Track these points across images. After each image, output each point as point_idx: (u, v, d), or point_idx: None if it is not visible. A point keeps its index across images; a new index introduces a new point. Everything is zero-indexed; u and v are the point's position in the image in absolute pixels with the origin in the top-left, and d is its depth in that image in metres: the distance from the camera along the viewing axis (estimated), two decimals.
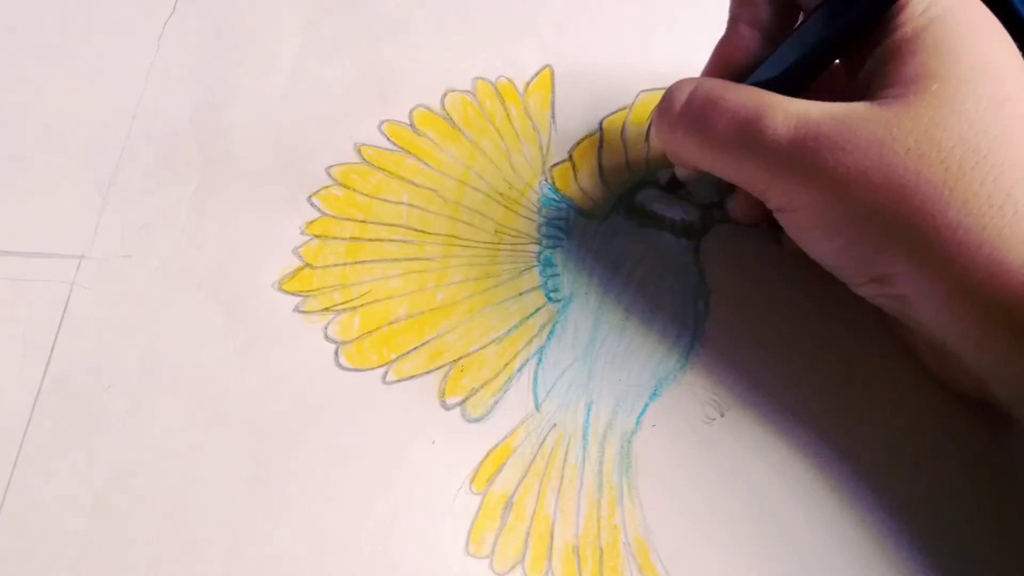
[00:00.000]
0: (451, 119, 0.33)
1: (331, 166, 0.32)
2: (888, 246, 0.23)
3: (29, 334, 0.29)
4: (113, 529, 0.26)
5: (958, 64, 0.22)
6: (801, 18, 0.27)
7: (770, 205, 0.26)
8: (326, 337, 0.29)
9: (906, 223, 0.22)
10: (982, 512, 0.26)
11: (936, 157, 0.22)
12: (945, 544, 0.26)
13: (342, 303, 0.29)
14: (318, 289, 0.30)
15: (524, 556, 0.26)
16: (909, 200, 0.22)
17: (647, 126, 0.32)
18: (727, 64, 0.27)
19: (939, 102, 0.22)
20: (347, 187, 0.31)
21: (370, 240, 0.31)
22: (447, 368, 0.28)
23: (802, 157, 0.23)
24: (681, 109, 0.26)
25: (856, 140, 0.22)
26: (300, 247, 0.30)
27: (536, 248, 0.30)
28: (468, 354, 0.29)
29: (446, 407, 0.28)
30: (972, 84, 0.22)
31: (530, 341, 0.29)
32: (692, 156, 0.27)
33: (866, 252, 0.24)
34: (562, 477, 0.27)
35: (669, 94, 0.27)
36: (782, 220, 0.26)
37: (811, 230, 0.25)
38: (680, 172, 0.30)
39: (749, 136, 0.24)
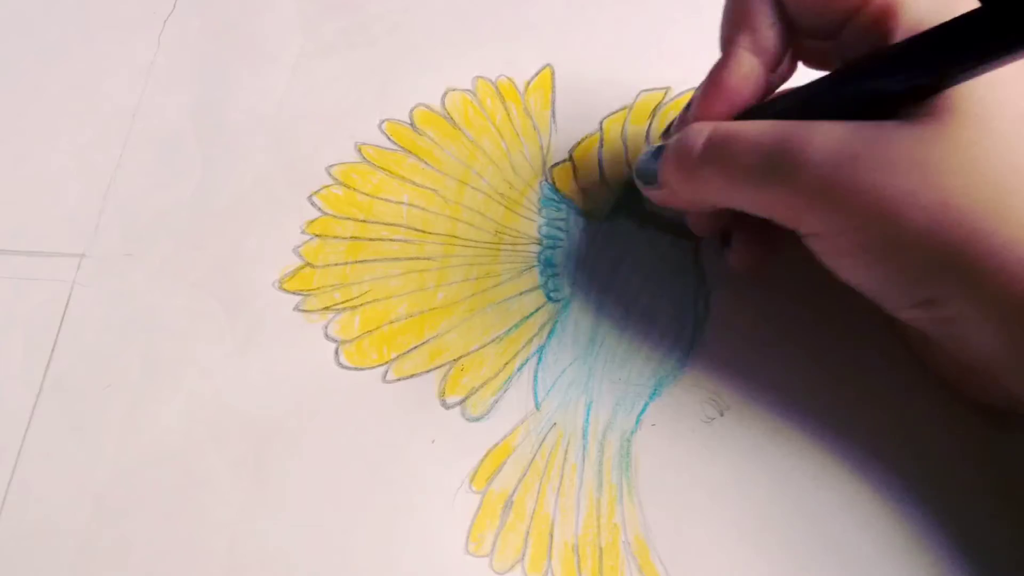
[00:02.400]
0: (451, 118, 0.33)
1: (331, 165, 0.32)
2: (938, 269, 0.22)
3: (30, 333, 0.29)
4: (113, 528, 0.26)
5: (979, 80, 0.22)
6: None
7: (803, 231, 0.24)
8: (326, 336, 0.29)
9: (958, 244, 0.21)
10: (981, 509, 0.26)
11: (980, 176, 0.21)
12: (946, 543, 0.26)
13: (342, 302, 0.29)
14: (318, 288, 0.30)
15: (524, 555, 0.26)
16: (960, 220, 0.21)
17: (646, 128, 0.32)
18: (728, 93, 0.26)
19: (971, 120, 0.21)
20: (347, 186, 0.32)
21: (370, 239, 0.31)
22: (447, 367, 0.28)
23: (841, 180, 0.22)
24: (701, 150, 0.25)
25: (898, 160, 0.21)
26: (300, 246, 0.30)
27: (536, 248, 0.30)
28: (468, 353, 0.29)
29: (446, 406, 0.28)
30: (998, 101, 0.22)
31: (530, 340, 0.29)
32: (716, 196, 0.25)
33: (914, 276, 0.23)
34: (562, 476, 0.27)
35: (683, 139, 0.26)
36: (814, 246, 0.25)
37: (850, 256, 0.24)
38: (662, 210, 0.30)
39: (779, 163, 0.23)
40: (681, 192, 0.26)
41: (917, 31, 0.22)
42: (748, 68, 0.25)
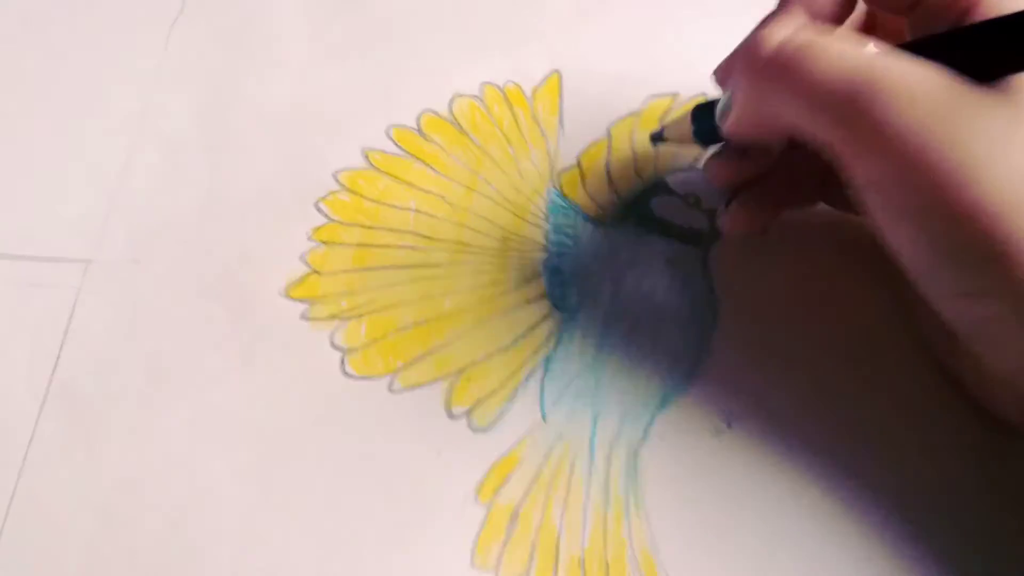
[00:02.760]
0: (459, 124, 0.33)
1: (338, 171, 0.32)
2: (1000, 257, 0.20)
3: (36, 339, 0.29)
4: (119, 537, 0.26)
5: None
6: None
7: (862, 175, 0.22)
8: (332, 344, 0.29)
9: (1008, 234, 0.20)
10: (1001, 530, 0.26)
11: None
12: (962, 559, 0.25)
13: (349, 310, 0.29)
14: (325, 295, 0.30)
15: (529, 569, 0.26)
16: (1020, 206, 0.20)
17: (659, 127, 0.32)
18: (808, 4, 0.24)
19: None
20: (354, 192, 0.31)
21: (377, 246, 0.30)
22: (453, 377, 0.28)
23: (923, 133, 0.20)
24: (773, 52, 0.22)
25: (986, 127, 0.20)
26: (307, 253, 0.30)
27: (543, 256, 0.30)
28: (475, 363, 0.28)
29: (452, 417, 0.28)
30: None
31: (537, 350, 0.29)
32: (781, 112, 0.23)
33: (971, 260, 0.21)
34: (568, 489, 0.27)
35: (756, 37, 0.23)
36: (870, 198, 0.23)
37: (906, 216, 0.22)
38: (671, 131, 0.29)
39: (860, 94, 0.21)
40: (747, 109, 0.24)
41: (1000, 10, 0.21)
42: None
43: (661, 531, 0.26)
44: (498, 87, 0.34)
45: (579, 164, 0.32)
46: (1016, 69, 0.21)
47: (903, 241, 0.23)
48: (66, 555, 0.26)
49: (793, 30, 0.23)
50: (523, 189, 0.31)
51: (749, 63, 0.23)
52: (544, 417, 0.28)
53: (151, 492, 0.27)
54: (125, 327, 0.29)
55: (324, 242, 0.30)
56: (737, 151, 0.28)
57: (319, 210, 0.31)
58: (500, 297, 0.29)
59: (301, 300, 0.29)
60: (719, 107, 0.26)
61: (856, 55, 0.21)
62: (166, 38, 0.35)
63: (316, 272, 0.30)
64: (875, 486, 0.26)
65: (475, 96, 0.33)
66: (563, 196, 0.31)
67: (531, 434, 0.27)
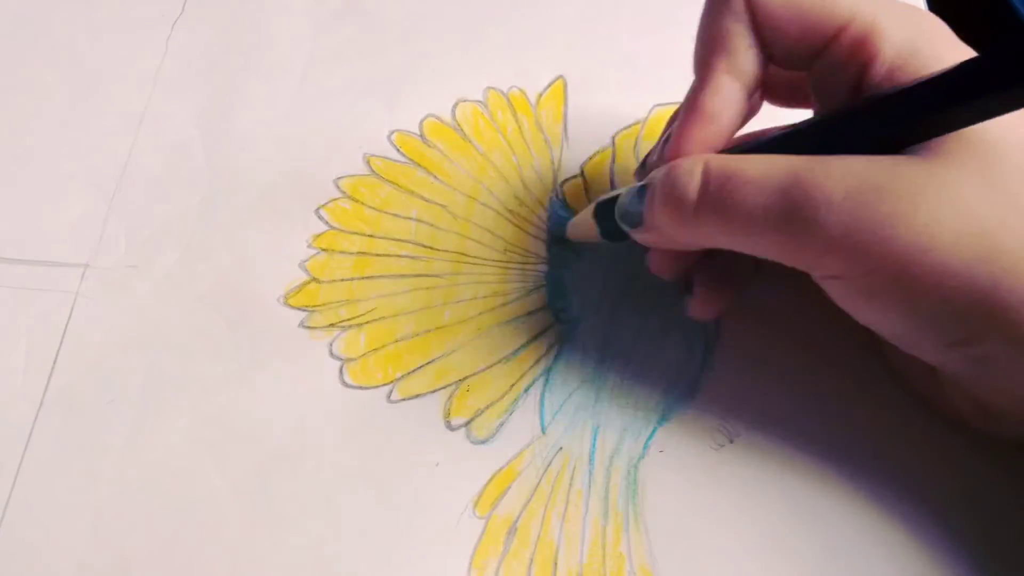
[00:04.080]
0: (462, 130, 0.33)
1: (340, 177, 0.32)
2: (971, 306, 0.20)
3: (32, 345, 0.29)
4: (113, 548, 0.26)
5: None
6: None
7: (819, 273, 0.23)
8: (331, 354, 0.28)
9: (992, 281, 0.20)
10: (1005, 534, 0.25)
11: (1016, 212, 0.20)
12: (968, 570, 0.25)
13: (348, 319, 0.29)
14: (324, 304, 0.29)
15: None
16: (995, 256, 0.20)
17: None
18: (710, 120, 0.24)
19: (998, 154, 0.21)
20: (355, 200, 0.31)
21: (378, 255, 0.30)
22: (453, 388, 0.28)
23: (866, 217, 0.20)
24: (699, 194, 0.23)
25: (927, 193, 0.20)
26: (307, 261, 0.30)
27: (545, 267, 0.30)
28: (474, 374, 0.28)
29: (451, 428, 0.27)
30: (1005, 137, 0.21)
31: (537, 362, 0.28)
32: (714, 241, 0.24)
33: (945, 316, 0.21)
34: (567, 502, 0.27)
35: (673, 178, 0.23)
36: (831, 289, 0.23)
37: (874, 298, 0.22)
38: (576, 231, 0.29)
39: (794, 204, 0.21)
40: (675, 237, 0.24)
41: (898, 63, 0.22)
42: (728, 92, 0.24)
43: (660, 546, 0.26)
44: (502, 92, 0.33)
45: (583, 174, 0.32)
46: (921, 138, 0.21)
47: (877, 318, 0.23)
48: (60, 564, 0.26)
49: (704, 164, 0.23)
50: (526, 199, 0.31)
51: (674, 208, 0.23)
52: (544, 430, 0.27)
53: (147, 501, 0.26)
54: (123, 333, 0.29)
55: (324, 250, 0.30)
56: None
57: (320, 217, 0.31)
58: (501, 308, 0.29)
59: (300, 308, 0.29)
60: (620, 213, 0.26)
61: (777, 169, 0.21)
62: (166, 40, 0.34)
63: (316, 280, 0.30)
64: (879, 500, 0.26)
65: (479, 101, 0.33)
66: (566, 207, 0.31)
67: (530, 446, 0.27)
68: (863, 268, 0.21)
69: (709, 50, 0.24)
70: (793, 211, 0.21)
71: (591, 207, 0.28)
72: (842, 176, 0.21)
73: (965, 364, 0.23)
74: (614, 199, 0.26)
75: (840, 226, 0.20)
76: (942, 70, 0.20)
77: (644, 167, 0.28)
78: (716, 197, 0.22)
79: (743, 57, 0.24)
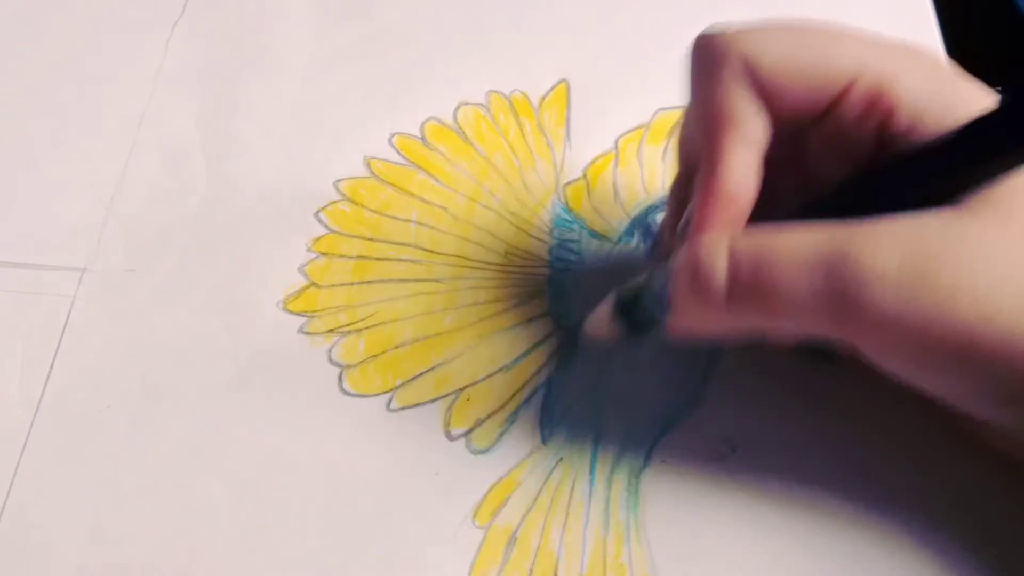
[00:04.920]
0: (463, 133, 0.32)
1: (340, 180, 0.31)
2: None
3: (29, 349, 0.28)
4: (109, 556, 0.26)
5: None
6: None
7: (869, 351, 0.21)
8: (330, 360, 0.28)
9: None
10: (1009, 544, 0.25)
11: None
12: None
13: (347, 324, 0.29)
14: (323, 309, 0.29)
15: None
16: None
17: (663, 148, 0.31)
18: (729, 202, 0.22)
19: None
20: (355, 202, 0.31)
21: (378, 259, 0.30)
22: (453, 397, 0.28)
23: (925, 294, 0.19)
24: (729, 283, 0.21)
25: (988, 257, 0.19)
26: (306, 265, 0.30)
27: (547, 271, 0.30)
28: (475, 383, 0.28)
29: (451, 437, 0.27)
30: None
31: (538, 371, 0.28)
32: (751, 326, 0.22)
33: (1003, 375, 0.19)
34: (568, 513, 0.26)
35: (697, 266, 0.21)
36: (881, 361, 0.21)
37: (928, 367, 0.21)
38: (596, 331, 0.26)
39: (840, 284, 0.19)
40: (708, 328, 0.22)
41: (918, 114, 0.20)
42: (744, 168, 0.22)
43: (662, 557, 0.26)
44: (504, 95, 0.33)
45: (585, 177, 0.31)
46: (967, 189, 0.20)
47: (930, 385, 0.22)
48: (57, 569, 0.25)
49: (730, 245, 0.21)
50: (527, 202, 0.31)
51: (703, 298, 0.21)
52: (544, 439, 0.27)
53: (144, 508, 0.26)
54: (120, 338, 0.29)
55: (324, 254, 0.30)
56: None
57: (319, 220, 0.30)
58: (502, 314, 0.29)
59: (299, 314, 0.29)
60: (653, 299, 0.23)
61: (815, 243, 0.20)
62: (166, 42, 0.34)
63: (315, 285, 0.29)
64: (882, 511, 0.26)
65: (481, 104, 0.33)
66: (568, 210, 0.31)
67: (531, 457, 0.27)
68: (921, 344, 0.19)
69: (715, 124, 0.22)
70: (840, 290, 0.19)
71: (608, 304, 0.25)
72: (891, 246, 0.19)
73: (1015, 418, 0.22)
74: (634, 290, 0.24)
75: (895, 303, 0.19)
76: (978, 114, 0.19)
77: (655, 247, 0.27)
78: (750, 284, 0.20)
79: (752, 125, 0.22)
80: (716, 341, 0.25)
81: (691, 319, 0.22)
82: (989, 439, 0.25)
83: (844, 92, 0.21)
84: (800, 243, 0.20)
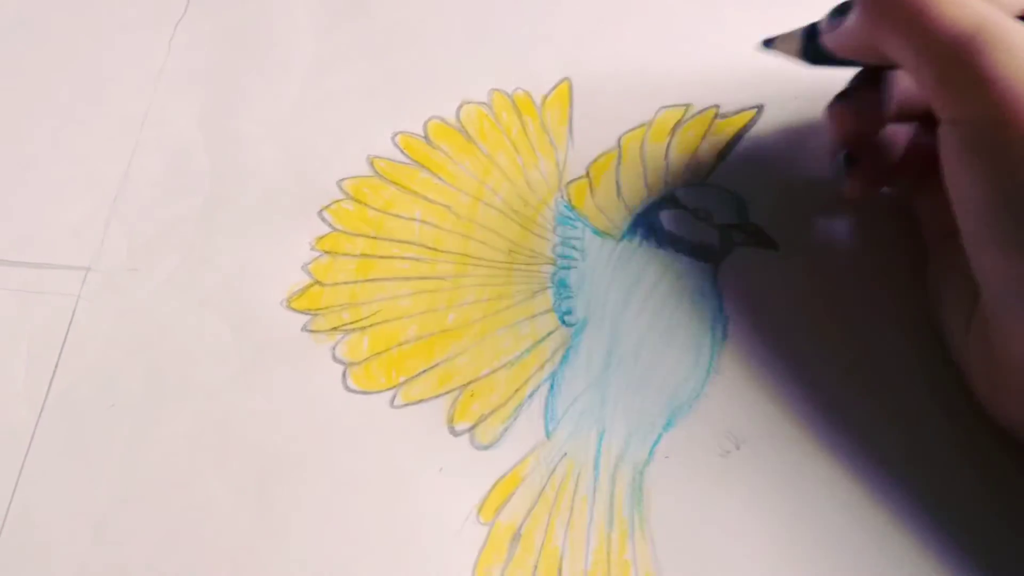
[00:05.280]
0: (466, 132, 0.32)
1: (343, 179, 0.31)
2: None
3: (34, 348, 0.28)
4: (113, 554, 0.26)
5: None
6: None
7: (949, 114, 0.23)
8: (334, 358, 0.28)
9: None
10: (1015, 546, 0.25)
11: None
12: None
13: (351, 322, 0.29)
14: (327, 307, 0.29)
15: None
16: None
17: (665, 145, 0.31)
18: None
19: None
20: (359, 201, 0.31)
21: (381, 257, 0.30)
22: (456, 392, 0.28)
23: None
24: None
25: None
26: (310, 263, 0.30)
27: (550, 268, 0.30)
28: (478, 378, 0.28)
29: (455, 433, 0.27)
30: None
31: (542, 366, 0.28)
32: (887, 38, 0.24)
33: None
34: (572, 509, 0.26)
35: None
36: (950, 135, 0.23)
37: (986, 151, 0.22)
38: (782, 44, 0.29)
39: (971, 42, 0.22)
40: (860, 26, 0.25)
41: None
42: None
43: (666, 553, 0.26)
44: (507, 94, 0.33)
45: (588, 174, 0.31)
46: None
47: (967, 183, 0.23)
48: (62, 568, 0.26)
49: None
50: (530, 200, 0.31)
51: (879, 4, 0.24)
52: (548, 435, 0.27)
53: (148, 506, 0.26)
54: (124, 337, 0.29)
55: (327, 252, 0.30)
56: (860, 101, 0.28)
57: (323, 219, 0.31)
58: (505, 311, 0.29)
59: (303, 312, 0.29)
60: (823, 24, 0.27)
61: (973, 8, 0.22)
62: (169, 41, 0.34)
63: (319, 283, 0.29)
64: (887, 506, 0.26)
65: (483, 103, 0.33)
66: (571, 207, 0.31)
67: (535, 452, 0.27)
68: (989, 120, 0.22)
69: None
70: (968, 47, 0.22)
71: (801, 28, 0.28)
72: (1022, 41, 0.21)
73: (1012, 278, 0.23)
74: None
75: (997, 79, 0.21)
76: None
77: None
78: (905, 13, 0.23)
79: None
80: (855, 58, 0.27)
81: (855, 18, 0.25)
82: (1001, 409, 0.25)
83: None
84: (967, 2, 0.23)
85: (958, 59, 0.22)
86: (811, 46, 0.28)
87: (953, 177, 0.23)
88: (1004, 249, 0.22)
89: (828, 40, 0.26)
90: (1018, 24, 0.22)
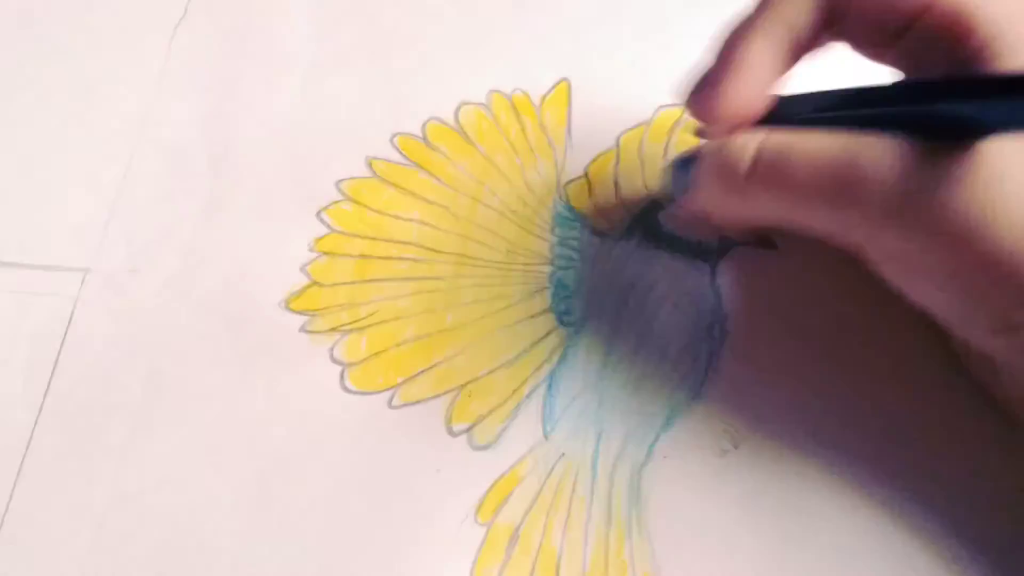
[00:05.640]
0: (465, 133, 0.32)
1: (341, 180, 0.31)
2: None
3: (32, 349, 0.29)
4: (112, 555, 0.26)
5: None
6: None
7: (871, 256, 0.23)
8: (332, 358, 0.28)
9: None
10: (1015, 547, 0.25)
11: None
12: None
13: (349, 323, 0.29)
14: (325, 308, 0.29)
15: None
16: None
17: (664, 145, 0.31)
18: (747, 70, 0.23)
19: None
20: (357, 202, 0.31)
21: (379, 258, 0.30)
22: (455, 393, 0.28)
23: (921, 197, 0.20)
24: (749, 168, 0.23)
25: (990, 174, 0.20)
26: (308, 264, 0.30)
27: (548, 269, 0.30)
28: (476, 379, 0.28)
29: (453, 433, 0.27)
30: None
31: (540, 366, 0.28)
32: (764, 215, 0.24)
33: (1000, 299, 0.21)
34: (570, 509, 0.26)
35: (727, 153, 0.23)
36: (884, 270, 0.24)
37: (928, 279, 0.22)
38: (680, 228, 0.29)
39: (845, 183, 0.21)
40: (723, 209, 0.25)
41: (997, 41, 0.20)
42: (775, 43, 0.23)
43: (664, 554, 0.26)
44: (505, 95, 0.33)
45: (587, 175, 0.31)
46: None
47: (929, 299, 0.23)
48: (60, 570, 0.26)
49: (761, 140, 0.23)
50: (529, 200, 0.31)
51: (726, 180, 0.24)
52: (546, 435, 0.27)
53: (147, 507, 0.26)
54: (123, 338, 0.29)
55: (326, 253, 0.30)
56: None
57: (321, 220, 0.31)
58: (503, 311, 0.29)
59: (301, 312, 0.29)
60: (669, 180, 0.27)
61: (830, 143, 0.21)
62: (168, 43, 0.34)
63: (317, 284, 0.29)
64: (885, 506, 0.26)
65: (482, 104, 0.33)
66: (570, 208, 0.31)
67: (533, 452, 0.27)
68: (914, 249, 0.21)
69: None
70: (846, 189, 0.21)
71: (671, 163, 0.28)
72: (898, 157, 0.20)
73: (1012, 351, 0.22)
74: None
75: (892, 206, 0.21)
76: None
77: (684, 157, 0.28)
78: (768, 171, 0.23)
79: (800, 10, 0.23)
80: (714, 226, 0.28)
81: (711, 199, 0.25)
82: (1008, 396, 0.25)
83: (920, 13, 0.22)
84: (819, 145, 0.22)
85: (843, 202, 0.21)
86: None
87: (911, 296, 0.24)
88: (992, 335, 0.22)
89: (690, 207, 0.26)
90: (869, 137, 0.21)
